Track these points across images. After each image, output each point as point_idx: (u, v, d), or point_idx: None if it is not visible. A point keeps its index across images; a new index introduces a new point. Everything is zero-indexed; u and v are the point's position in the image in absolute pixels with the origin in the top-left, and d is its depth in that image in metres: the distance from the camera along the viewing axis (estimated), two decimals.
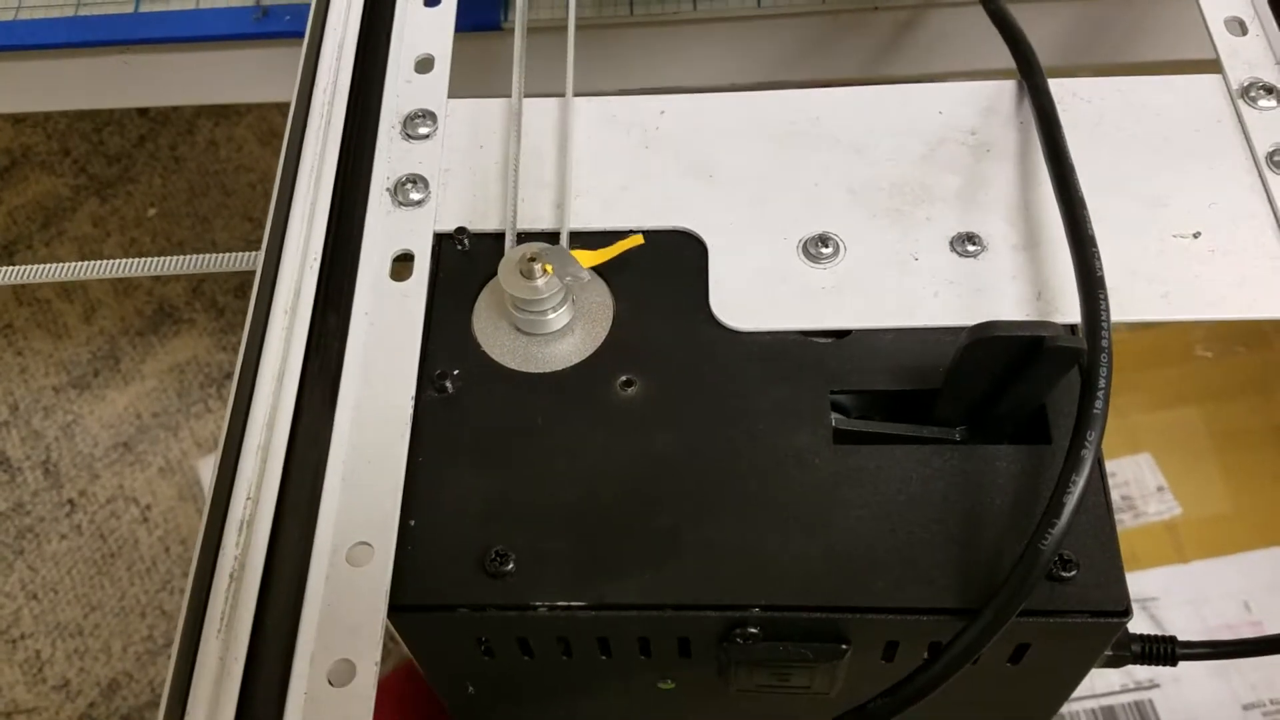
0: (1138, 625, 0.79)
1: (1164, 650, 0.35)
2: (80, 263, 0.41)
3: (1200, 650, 0.35)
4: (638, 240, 0.35)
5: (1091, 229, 0.31)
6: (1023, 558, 0.28)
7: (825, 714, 0.30)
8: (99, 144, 1.29)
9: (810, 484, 0.31)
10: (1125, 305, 0.32)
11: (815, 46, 0.53)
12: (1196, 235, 0.34)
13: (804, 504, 0.31)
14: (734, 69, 0.54)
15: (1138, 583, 0.77)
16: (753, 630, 0.30)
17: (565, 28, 0.49)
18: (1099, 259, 0.31)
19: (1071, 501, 0.28)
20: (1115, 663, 0.35)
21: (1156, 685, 0.74)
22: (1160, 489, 0.80)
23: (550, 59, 0.41)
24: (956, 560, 0.30)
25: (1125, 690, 0.74)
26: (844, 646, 0.31)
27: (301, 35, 0.53)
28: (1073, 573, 0.29)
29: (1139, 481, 0.80)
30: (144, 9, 0.54)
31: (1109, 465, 0.82)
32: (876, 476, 0.31)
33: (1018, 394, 0.30)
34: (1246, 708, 0.74)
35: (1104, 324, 0.29)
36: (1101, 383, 0.29)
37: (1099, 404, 0.28)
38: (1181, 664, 0.75)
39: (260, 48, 0.54)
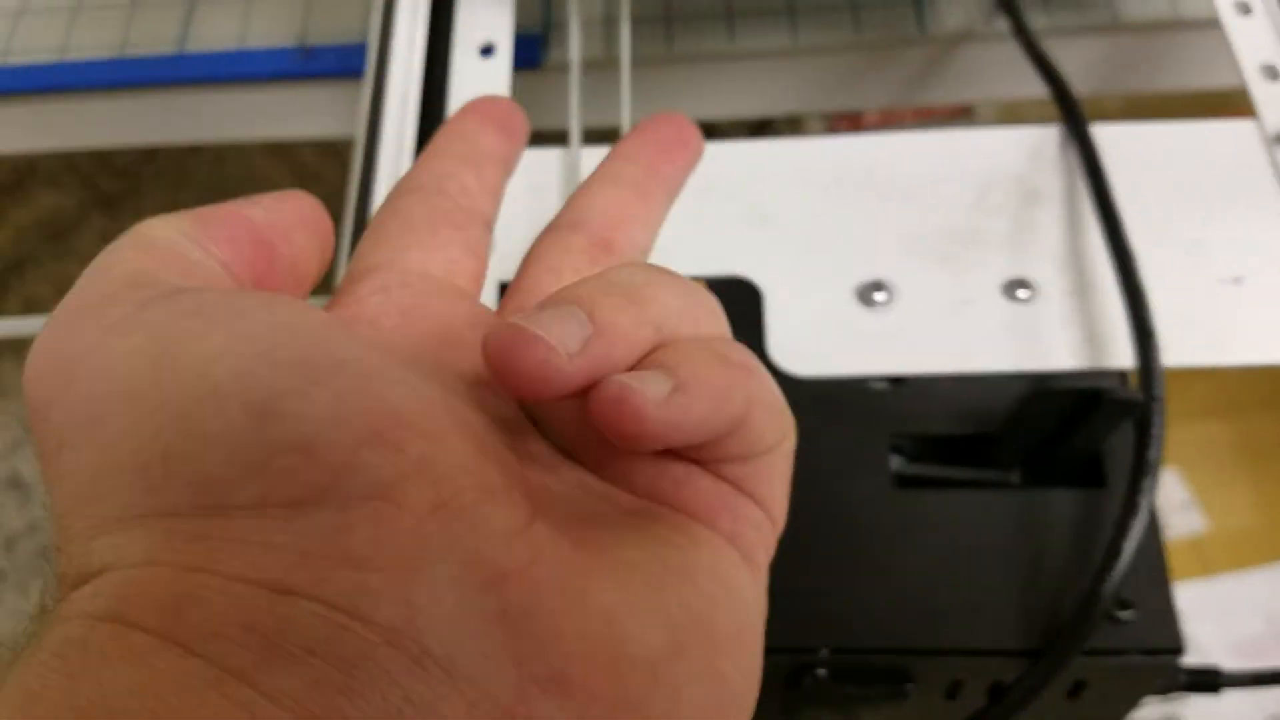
0: None
1: (1208, 681, 0.36)
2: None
3: (1243, 679, 0.36)
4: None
5: (1141, 281, 0.32)
6: (1083, 601, 0.29)
7: None
8: (105, 159, 1.30)
9: (873, 528, 0.32)
10: (1171, 351, 0.33)
11: (849, 77, 0.54)
12: (1238, 280, 0.35)
13: (868, 547, 0.32)
14: (770, 101, 0.55)
15: None
16: (821, 671, 0.31)
17: (603, 65, 0.50)
18: (1149, 310, 0.32)
19: (1130, 546, 0.29)
20: (1163, 691, 0.36)
21: (1184, 700, 0.75)
22: (1185, 504, 0.81)
23: (589, 95, 0.42)
24: (1017, 602, 0.31)
25: (1153, 705, 0.75)
26: (908, 686, 0.32)
27: (345, 74, 0.54)
28: (1129, 612, 0.30)
29: (1165, 496, 0.81)
30: (189, 49, 0.55)
31: None
32: (938, 520, 0.32)
33: (1075, 441, 0.31)
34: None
35: (1157, 375, 0.30)
36: (1156, 432, 0.30)
37: (1154, 452, 0.29)
38: None
39: (304, 86, 0.55)
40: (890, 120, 0.97)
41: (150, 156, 1.34)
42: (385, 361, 0.17)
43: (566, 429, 0.20)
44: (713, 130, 0.36)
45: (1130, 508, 0.29)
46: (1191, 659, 0.79)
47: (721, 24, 0.54)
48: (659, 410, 0.17)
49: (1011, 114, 0.90)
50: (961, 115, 0.97)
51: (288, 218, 0.22)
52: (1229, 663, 0.39)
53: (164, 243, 0.20)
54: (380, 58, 0.40)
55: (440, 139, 0.26)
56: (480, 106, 0.27)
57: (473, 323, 0.22)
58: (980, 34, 0.52)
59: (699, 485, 0.19)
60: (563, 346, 0.17)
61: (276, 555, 0.15)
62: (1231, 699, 0.75)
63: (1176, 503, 0.81)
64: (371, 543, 0.15)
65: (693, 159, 0.28)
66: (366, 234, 0.24)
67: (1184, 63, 0.55)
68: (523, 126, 0.27)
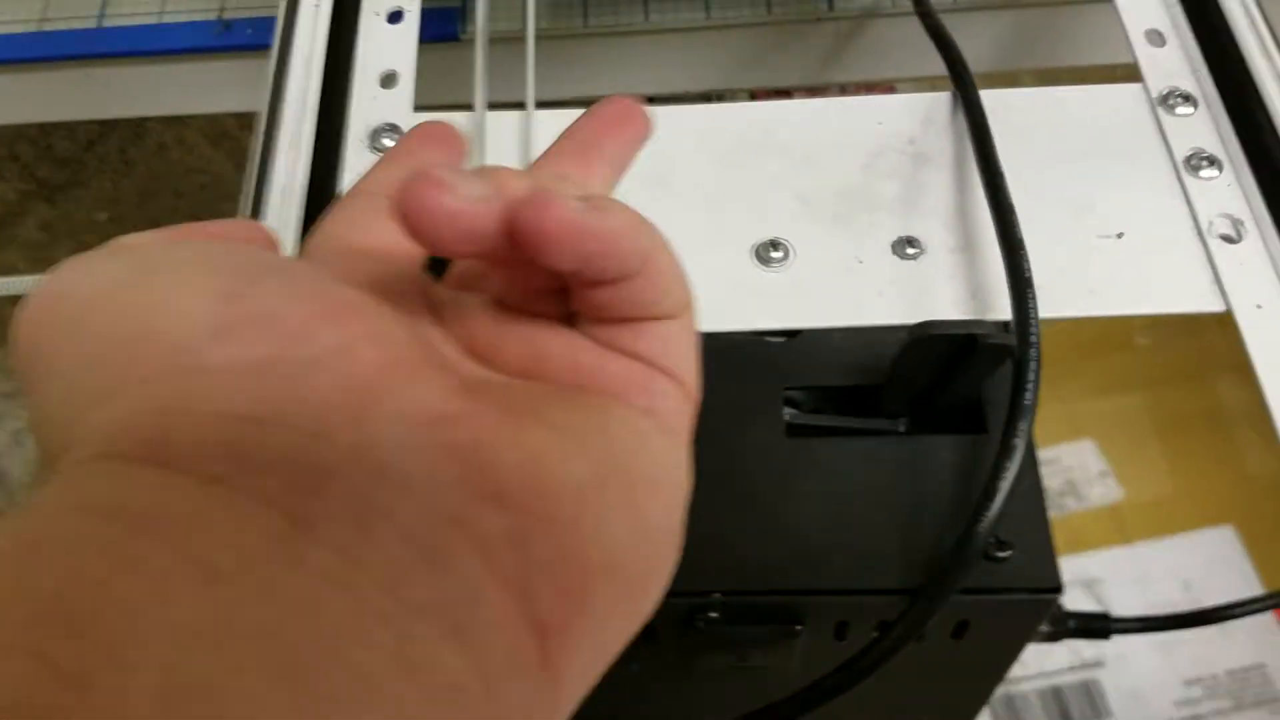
0: (1081, 606, 0.82)
1: (1098, 626, 0.38)
2: (16, 279, 0.41)
3: (1131, 624, 0.38)
4: None
5: (1020, 233, 0.34)
6: (960, 540, 0.30)
7: (787, 692, 0.32)
8: (47, 148, 1.28)
9: (765, 476, 0.33)
10: (1054, 303, 0.34)
11: (763, 55, 0.55)
12: (1120, 236, 0.36)
13: (759, 495, 0.33)
14: (685, 77, 0.55)
15: (1082, 565, 0.81)
16: (713, 615, 0.32)
17: (523, 38, 0.51)
18: (1027, 261, 0.33)
19: (1004, 487, 0.30)
20: (1053, 638, 0.38)
21: (1102, 664, 0.77)
22: (1103, 474, 0.83)
23: (508, 68, 0.43)
24: (901, 544, 0.32)
25: (1072, 669, 0.77)
26: (798, 627, 0.33)
27: (263, 48, 0.54)
28: (1008, 553, 0.31)
29: (1083, 467, 0.83)
30: (107, 23, 0.55)
31: (1054, 452, 0.85)
32: (827, 467, 0.33)
33: (955, 388, 0.33)
34: (1188, 683, 0.77)
35: (1032, 321, 0.32)
36: (1031, 376, 0.31)
37: (1028, 396, 0.31)
38: (1126, 643, 0.79)
39: (222, 60, 0.55)
40: (816, 96, 0.99)
41: (91, 145, 1.32)
42: (327, 273, 0.20)
43: (487, 331, 0.22)
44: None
45: (1005, 450, 0.30)
46: (1182, 612, 0.79)
47: (638, 0, 0.54)
48: (577, 214, 0.18)
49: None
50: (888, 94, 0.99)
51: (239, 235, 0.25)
52: None
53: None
54: (286, 25, 0.41)
55: (382, 160, 0.27)
56: (422, 130, 0.28)
57: (408, 275, 0.23)
58: (887, 10, 0.53)
59: (612, 368, 0.21)
60: (466, 189, 0.18)
61: (247, 396, 0.17)
62: (1147, 663, 0.78)
63: (1094, 473, 0.83)
64: (329, 388, 0.17)
65: (638, 136, 0.29)
66: (307, 238, 0.25)
67: (1090, 37, 0.57)
68: (463, 146, 0.29)
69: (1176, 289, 0.35)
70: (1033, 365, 0.31)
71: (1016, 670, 0.78)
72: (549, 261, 0.18)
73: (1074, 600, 0.80)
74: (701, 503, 0.33)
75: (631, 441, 0.20)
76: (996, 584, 0.31)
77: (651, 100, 0.43)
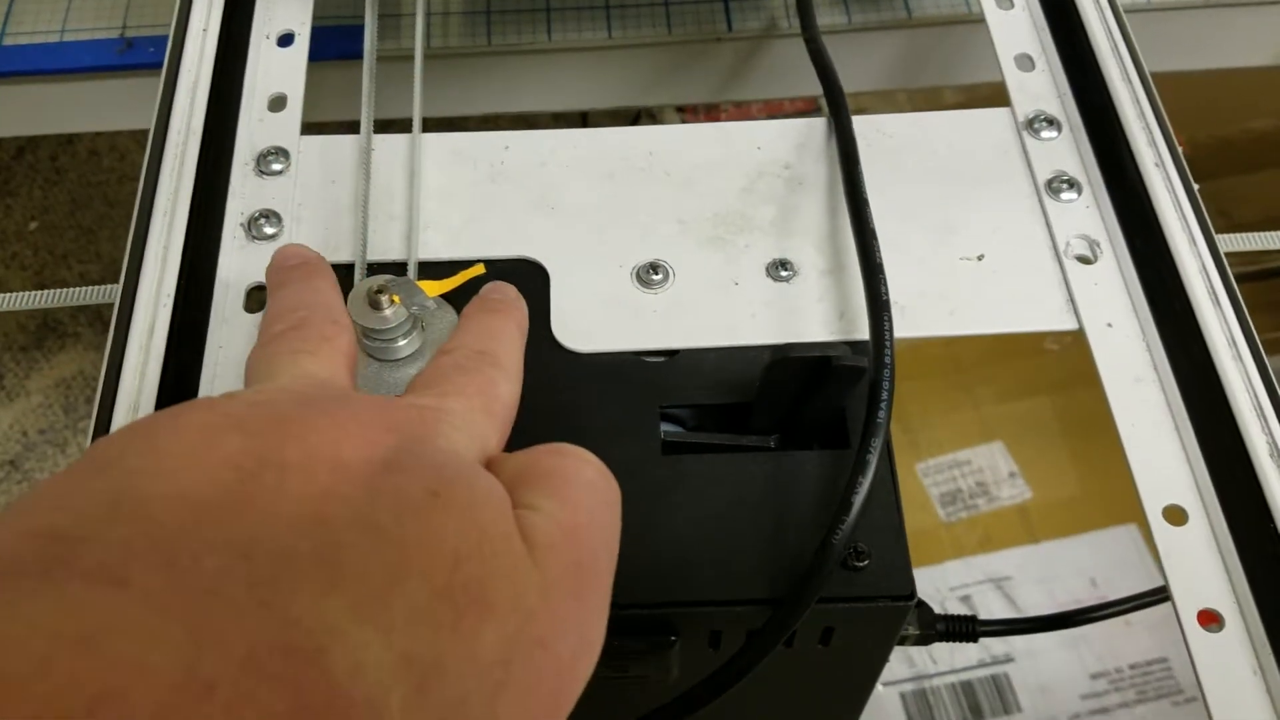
0: (992, 603, 0.85)
1: (966, 628, 0.39)
2: None
3: (996, 628, 0.40)
4: (480, 270, 0.37)
5: (880, 257, 0.35)
6: (819, 552, 0.31)
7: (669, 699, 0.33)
8: None
9: (639, 492, 0.34)
10: (913, 323, 0.36)
11: (665, 73, 0.56)
12: (981, 258, 0.38)
13: (633, 510, 0.34)
14: (588, 95, 0.56)
15: (993, 563, 0.83)
16: None
17: (426, 57, 0.51)
18: (885, 284, 0.35)
19: (858, 500, 0.31)
20: (922, 641, 0.39)
21: (1011, 660, 0.80)
22: (1012, 474, 0.86)
23: (410, 85, 0.43)
24: (768, 556, 0.33)
25: (983, 665, 0.80)
26: (673, 638, 0.34)
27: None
28: (865, 562, 0.33)
29: (993, 468, 0.86)
30: (7, 42, 0.54)
31: (966, 454, 0.88)
32: (699, 482, 0.35)
33: (817, 405, 0.34)
34: (1094, 676, 0.80)
35: (887, 343, 0.33)
36: (884, 395, 0.32)
37: (881, 414, 0.32)
38: (1035, 639, 0.81)
39: (126, 78, 0.55)
40: (743, 115, 1.01)
41: (21, 153, 1.30)
42: None
43: None
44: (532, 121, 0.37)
45: (860, 465, 0.32)
46: (1044, 614, 0.82)
47: (540, 19, 0.55)
48: None
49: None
50: (810, 111, 1.01)
51: None
52: None
53: None
54: (176, 45, 0.41)
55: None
56: (291, 264, 0.32)
57: None
58: (784, 32, 0.55)
59: None
60: None
61: None
62: (1055, 658, 0.81)
63: (1004, 474, 0.86)
64: None
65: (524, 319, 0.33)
66: None
67: (981, 55, 0.59)
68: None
69: (1033, 309, 0.37)
70: (886, 385, 0.32)
71: (929, 666, 0.80)
72: None
73: (985, 597, 0.82)
74: None
75: None
76: (855, 592, 0.33)
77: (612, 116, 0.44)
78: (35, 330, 1.25)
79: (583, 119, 1.01)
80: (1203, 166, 1.02)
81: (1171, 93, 0.49)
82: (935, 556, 0.84)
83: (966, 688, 0.79)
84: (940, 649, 0.78)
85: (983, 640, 0.82)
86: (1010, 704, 0.79)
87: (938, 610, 0.41)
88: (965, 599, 0.82)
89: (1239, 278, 0.37)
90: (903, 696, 0.78)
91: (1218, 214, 1.00)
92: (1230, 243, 0.40)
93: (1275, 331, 0.87)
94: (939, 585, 0.82)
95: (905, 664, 0.79)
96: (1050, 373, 0.88)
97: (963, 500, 0.86)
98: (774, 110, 0.96)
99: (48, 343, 1.27)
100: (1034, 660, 0.80)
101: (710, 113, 1.01)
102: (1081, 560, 0.83)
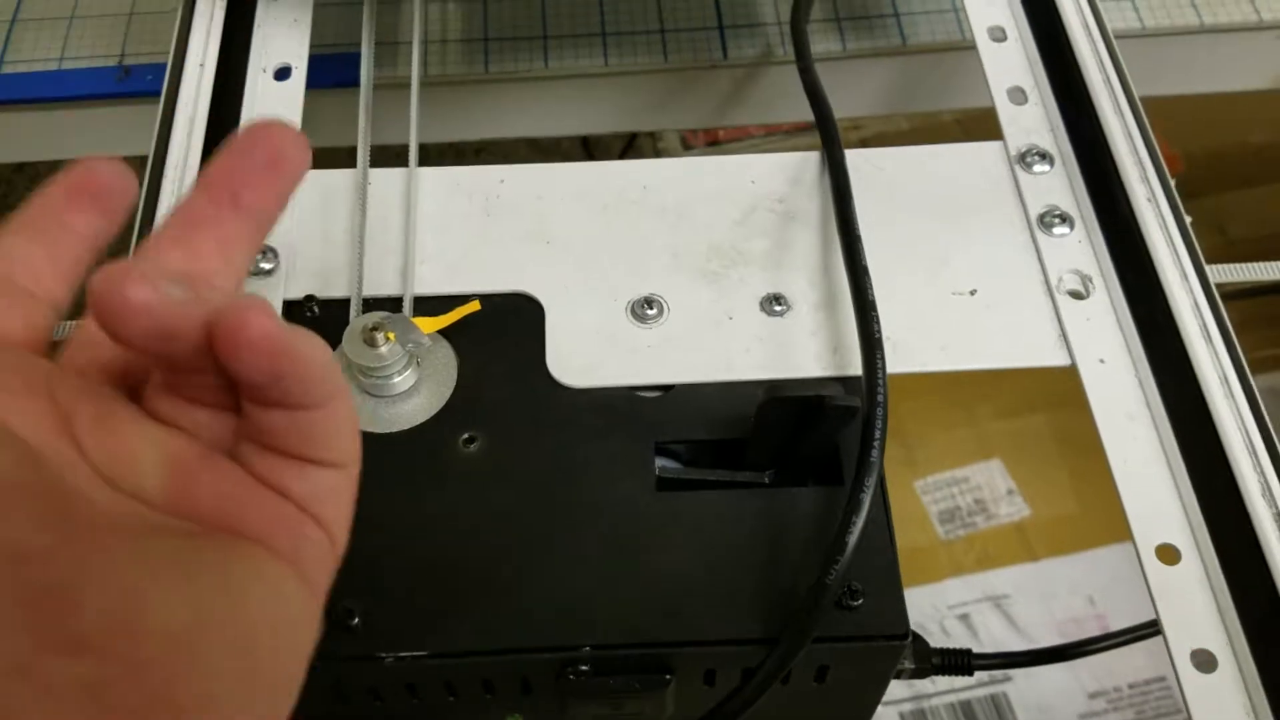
0: (991, 622, 0.85)
1: (961, 661, 0.39)
2: None
3: (993, 660, 0.40)
4: (475, 306, 0.37)
5: (873, 294, 0.35)
6: (813, 591, 0.31)
7: None
8: None
9: (634, 529, 0.34)
10: (906, 358, 0.36)
11: (661, 100, 0.56)
12: (973, 293, 0.38)
13: (628, 548, 0.34)
14: (585, 121, 0.57)
15: (991, 581, 0.83)
16: (584, 667, 0.33)
17: (425, 85, 0.52)
18: (878, 321, 0.35)
19: (852, 540, 0.31)
20: (918, 674, 0.39)
21: (1010, 679, 0.80)
22: (1011, 492, 0.86)
23: (408, 113, 0.44)
24: (762, 594, 0.33)
25: (981, 685, 0.79)
26: (668, 677, 0.34)
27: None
28: (859, 601, 0.33)
29: (990, 486, 0.86)
30: (6, 70, 0.55)
31: (964, 472, 0.88)
32: (693, 520, 0.35)
33: (811, 443, 0.34)
34: (1092, 696, 0.80)
35: (880, 381, 0.33)
36: (877, 434, 0.33)
37: (874, 453, 0.32)
38: None
39: (124, 105, 0.55)
40: (742, 134, 1.01)
41: (21, 167, 1.30)
42: None
43: (133, 450, 0.20)
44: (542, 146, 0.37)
45: (854, 504, 0.32)
46: (1018, 639, 0.84)
47: (538, 47, 0.56)
48: (280, 330, 0.18)
49: (853, 125, 0.94)
50: (809, 129, 1.01)
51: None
52: (1054, 641, 0.42)
53: None
54: (173, 80, 0.41)
55: (21, 214, 0.23)
56: (72, 178, 0.23)
57: (32, 372, 0.21)
58: (779, 60, 0.55)
59: (264, 504, 0.21)
60: (166, 289, 0.18)
61: None
62: (1053, 677, 0.80)
63: (1002, 492, 0.86)
64: None
65: (288, 178, 0.24)
66: None
67: (976, 81, 0.59)
68: (121, 192, 0.24)
69: (1024, 344, 0.37)
70: (879, 424, 0.33)
71: (928, 687, 0.80)
72: (239, 369, 0.18)
73: (983, 615, 0.82)
74: (573, 556, 0.34)
75: (255, 586, 0.20)
76: (849, 631, 0.33)
77: (540, 151, 0.44)
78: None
79: (583, 141, 1.02)
80: (1198, 182, 1.02)
81: (1168, 108, 0.50)
82: (933, 575, 0.83)
83: (965, 707, 0.79)
84: None
85: (1001, 669, 0.82)
86: None
87: (935, 629, 0.42)
88: (964, 617, 0.82)
89: (1233, 294, 0.37)
90: (901, 717, 0.78)
91: (1214, 230, 1.01)
92: (1222, 273, 0.40)
93: (1272, 348, 0.87)
94: (937, 604, 0.82)
95: (904, 686, 0.79)
96: (1048, 390, 0.88)
97: (961, 518, 0.86)
98: (772, 130, 0.96)
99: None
100: (1032, 680, 0.80)
101: (709, 132, 1.01)
102: (1080, 578, 0.83)
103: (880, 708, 0.83)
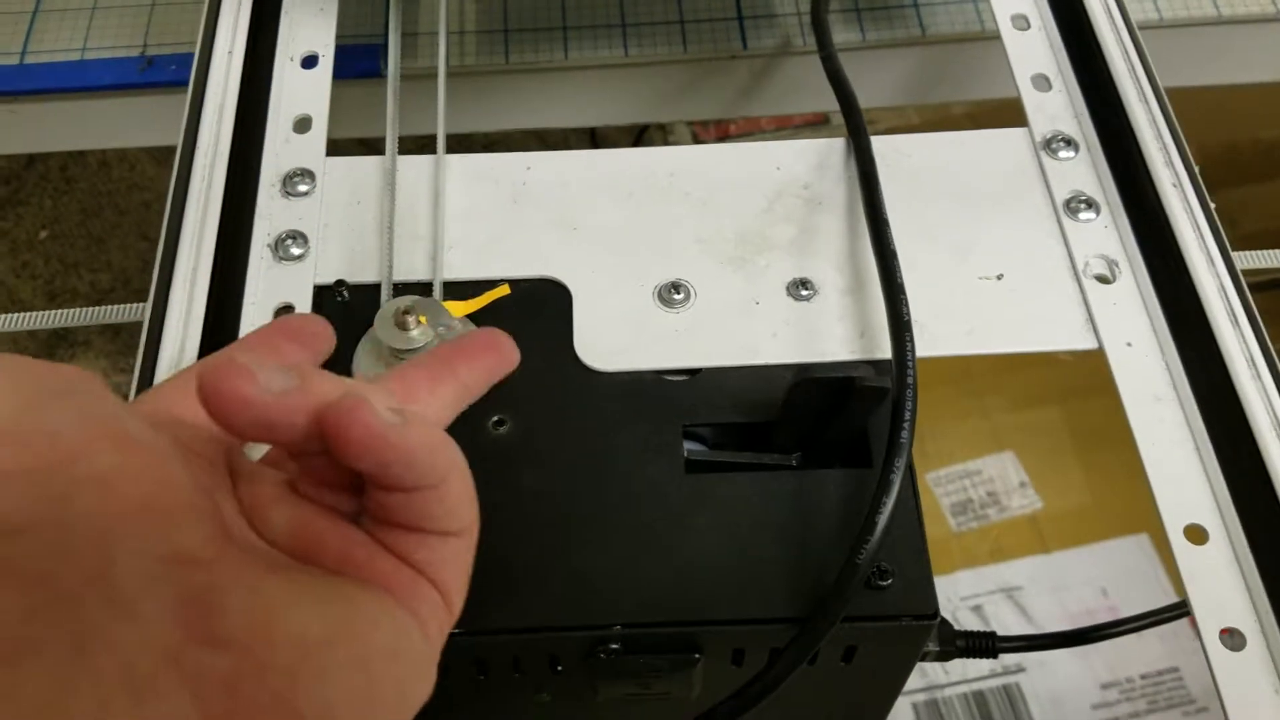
0: (1004, 614, 0.85)
1: (986, 644, 0.40)
2: None
3: (1016, 643, 0.40)
4: (504, 290, 0.38)
5: (901, 277, 0.36)
6: (843, 571, 0.32)
7: (692, 716, 0.33)
8: None
9: (663, 511, 0.35)
10: (933, 342, 0.36)
11: (681, 90, 0.56)
12: (1000, 277, 0.38)
13: (657, 529, 0.34)
14: (604, 112, 0.57)
15: (1004, 573, 0.83)
16: (614, 646, 0.34)
17: (447, 75, 0.52)
18: (907, 304, 0.35)
19: (882, 520, 0.32)
20: (943, 657, 0.39)
21: (1023, 670, 0.80)
22: (1023, 484, 0.86)
23: (430, 103, 0.44)
24: (791, 574, 0.34)
25: (994, 675, 0.80)
26: (696, 656, 0.34)
27: (187, 84, 0.55)
28: (888, 581, 0.33)
29: (1003, 478, 0.86)
30: (29, 60, 0.55)
31: (977, 464, 0.88)
32: (722, 501, 0.35)
33: (839, 425, 0.34)
34: (1105, 686, 0.80)
35: (909, 363, 0.33)
36: (907, 415, 0.33)
37: (904, 434, 0.32)
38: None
39: (147, 95, 0.55)
40: (752, 128, 1.01)
41: (31, 163, 1.30)
42: (134, 410, 0.21)
43: (272, 506, 0.23)
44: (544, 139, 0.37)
45: (884, 485, 0.32)
46: (1030, 631, 0.84)
47: (558, 37, 0.56)
48: (381, 424, 0.20)
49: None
50: (819, 123, 1.02)
51: None
52: None
53: None
54: (201, 68, 0.42)
55: (236, 344, 0.28)
56: (282, 325, 0.29)
57: (215, 440, 0.24)
58: (799, 49, 0.55)
59: (382, 565, 0.23)
60: (266, 381, 0.20)
61: (5, 507, 0.18)
62: (1066, 668, 0.81)
63: (1015, 484, 0.86)
64: (86, 514, 0.18)
65: (499, 365, 0.30)
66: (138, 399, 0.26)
67: (998, 70, 0.59)
68: (324, 338, 0.29)
69: (1051, 328, 0.37)
70: (909, 405, 0.33)
71: (941, 677, 0.80)
72: (348, 462, 0.20)
73: (996, 607, 0.83)
74: (603, 537, 0.34)
75: (381, 618, 0.22)
76: (878, 611, 0.33)
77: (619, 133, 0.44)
78: (47, 339, 1.26)
79: (591, 134, 1.02)
80: (1211, 175, 1.02)
81: (1181, 102, 0.50)
82: (946, 567, 0.84)
83: (979, 698, 0.79)
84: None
85: (1026, 651, 0.82)
86: (1022, 714, 0.79)
87: (949, 620, 0.42)
88: (977, 609, 0.82)
89: (1249, 288, 0.37)
90: (915, 707, 0.79)
91: (1226, 223, 1.01)
92: (1247, 260, 0.40)
93: None
94: (950, 596, 0.83)
95: (918, 675, 0.79)
96: (1061, 383, 0.88)
97: (973, 510, 0.86)
98: (782, 123, 0.97)
99: (59, 352, 1.27)
100: (1045, 670, 0.80)
101: (720, 126, 1.01)
102: (1093, 570, 0.83)
103: None
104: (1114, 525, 0.84)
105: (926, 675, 0.80)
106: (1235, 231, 1.01)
